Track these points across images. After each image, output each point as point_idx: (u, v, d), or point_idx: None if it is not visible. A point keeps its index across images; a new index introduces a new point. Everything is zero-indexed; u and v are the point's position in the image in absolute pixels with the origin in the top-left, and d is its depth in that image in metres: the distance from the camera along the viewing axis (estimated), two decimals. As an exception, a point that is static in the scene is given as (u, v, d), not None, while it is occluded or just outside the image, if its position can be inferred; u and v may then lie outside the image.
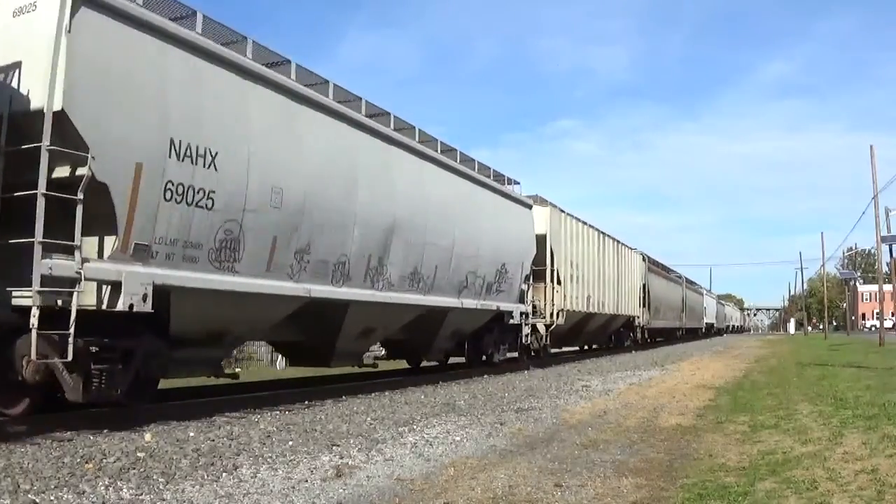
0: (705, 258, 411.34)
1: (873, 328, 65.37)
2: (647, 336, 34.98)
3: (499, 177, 16.61)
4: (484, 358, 16.57)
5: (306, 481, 5.31)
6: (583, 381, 14.16)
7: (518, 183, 17.52)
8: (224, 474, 5.42)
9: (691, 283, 55.75)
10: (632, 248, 31.68)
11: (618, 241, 28.22)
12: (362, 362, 12.32)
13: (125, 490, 4.85)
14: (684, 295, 47.92)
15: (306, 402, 9.99)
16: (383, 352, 16.37)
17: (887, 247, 33.40)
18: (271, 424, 7.91)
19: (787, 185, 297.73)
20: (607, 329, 28.40)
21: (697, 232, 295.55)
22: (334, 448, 6.60)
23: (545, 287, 19.50)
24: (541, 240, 18.59)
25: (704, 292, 64.92)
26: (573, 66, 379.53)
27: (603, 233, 25.94)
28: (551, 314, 19.77)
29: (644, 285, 32.89)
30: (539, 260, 18.76)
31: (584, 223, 23.54)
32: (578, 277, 22.10)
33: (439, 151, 13.54)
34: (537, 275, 19.00)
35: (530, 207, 17.93)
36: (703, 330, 60.52)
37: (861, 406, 8.78)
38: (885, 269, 37.45)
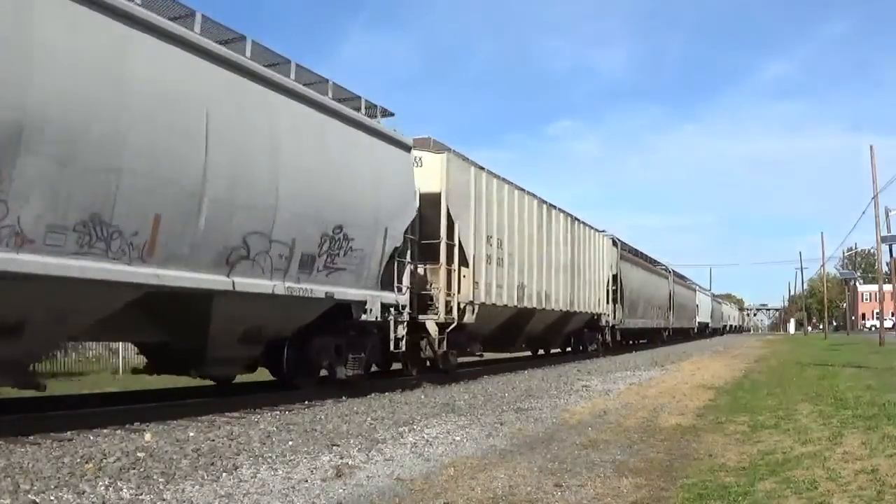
0: (705, 258, 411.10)
1: (873, 328, 65.41)
2: (619, 338, 28.50)
3: (346, 97, 10.97)
4: (324, 373, 11.13)
5: (306, 481, 5.31)
6: (583, 382, 14.17)
7: (392, 115, 12.09)
8: (224, 474, 5.43)
9: (681, 277, 50.42)
10: (598, 230, 25.27)
11: (574, 219, 22.03)
12: (29, 380, 7.30)
13: (125, 490, 4.85)
14: (672, 290, 41.84)
15: (306, 402, 9.99)
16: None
17: (887, 247, 33.47)
18: (271, 424, 7.91)
19: (787, 185, 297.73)
20: (560, 330, 22.17)
21: (697, 232, 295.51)
22: (334, 448, 6.61)
23: (441, 270, 13.50)
24: (431, 201, 13.13)
25: (697, 288, 59.08)
26: (573, 66, 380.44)
27: (549, 204, 19.67)
28: (450, 309, 13.63)
29: (615, 276, 26.85)
30: (430, 230, 13.36)
31: (517, 187, 17.27)
32: (503, 260, 15.97)
33: (198, 31, 8.25)
34: (428, 252, 13.47)
35: (408, 150, 12.19)
36: (696, 330, 55.00)
37: (861, 406, 8.79)
38: (885, 269, 37.49)
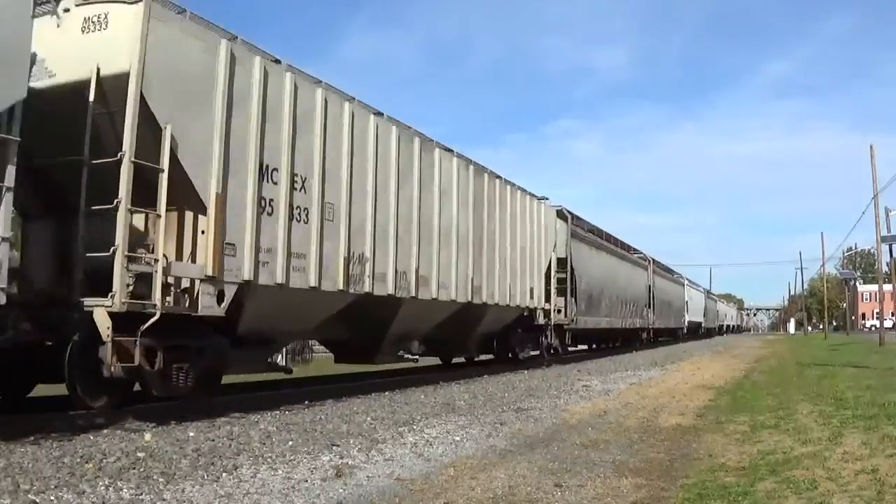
0: (705, 258, 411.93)
1: (873, 328, 65.42)
2: (570, 341, 21.74)
3: None
4: None
5: (306, 481, 5.31)
6: (583, 381, 14.16)
7: None
8: (224, 474, 5.43)
9: (666, 269, 43.11)
10: (535, 196, 18.15)
11: (484, 171, 15.23)
12: None
13: (125, 490, 4.85)
14: (651, 283, 35.14)
15: (306, 402, 9.98)
16: None
17: (887, 247, 33.46)
18: (271, 424, 7.91)
19: (787, 185, 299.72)
20: (468, 329, 15.49)
21: (697, 232, 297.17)
22: (334, 448, 6.61)
23: (121, 216, 7.32)
24: (112, 87, 7.59)
25: (687, 282, 51.59)
26: (573, 66, 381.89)
27: (428, 139, 12.96)
28: (130, 292, 7.38)
29: (564, 260, 20.34)
30: (99, 144, 7.63)
31: (356, 102, 10.78)
32: (311, 212, 9.63)
33: None
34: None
35: None
36: (685, 331, 48.40)
37: (861, 406, 8.78)
38: (885, 269, 37.49)
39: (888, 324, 59.89)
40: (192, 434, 7.12)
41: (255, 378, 12.09)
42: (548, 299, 18.70)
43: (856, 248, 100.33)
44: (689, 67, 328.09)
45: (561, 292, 19.92)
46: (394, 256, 11.60)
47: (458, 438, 7.29)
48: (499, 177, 16.00)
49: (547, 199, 19.21)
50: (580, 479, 5.55)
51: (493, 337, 17.37)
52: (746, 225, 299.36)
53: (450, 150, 13.80)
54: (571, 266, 20.95)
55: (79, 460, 5.66)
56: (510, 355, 18.04)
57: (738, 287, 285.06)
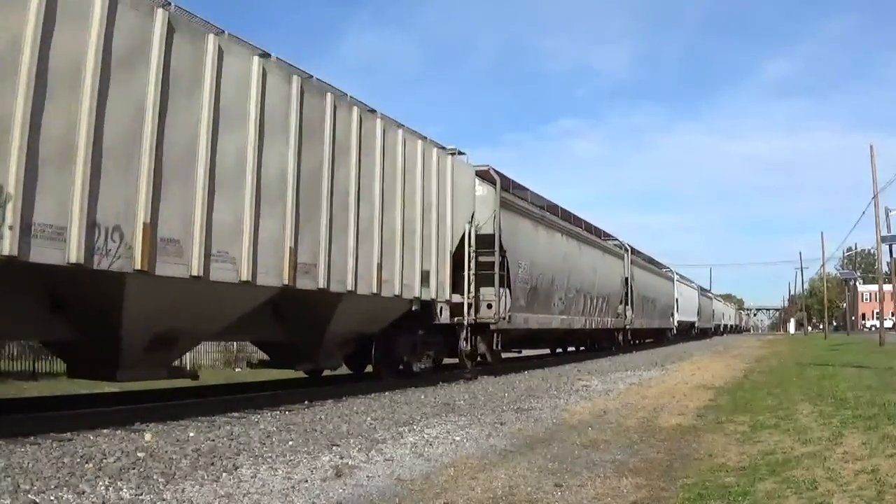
0: (705, 258, 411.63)
1: (873, 328, 65.44)
2: (499, 345, 15.87)
3: None
4: None
5: (306, 481, 5.31)
6: (583, 381, 14.16)
7: None
8: (224, 474, 5.42)
9: (649, 261, 37.15)
10: (437, 145, 13.08)
11: (332, 91, 10.17)
12: None
13: (125, 490, 4.85)
14: (629, 275, 29.29)
15: (306, 402, 9.98)
16: None
17: (887, 247, 33.51)
18: (271, 424, 7.91)
19: (787, 185, 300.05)
20: (313, 330, 10.53)
21: (697, 232, 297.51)
22: (334, 448, 6.60)
23: None
24: None
25: (677, 278, 45.38)
26: (573, 66, 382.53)
27: (209, 30, 8.14)
28: None
29: (490, 238, 15.12)
30: None
31: None
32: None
33: None
34: None
35: None
36: (674, 332, 42.94)
37: (861, 406, 8.79)
38: (885, 269, 37.51)
39: (888, 324, 59.96)
40: (192, 434, 7.12)
41: (254, 378, 12.08)
42: (458, 289, 13.77)
43: (856, 248, 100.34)
44: (689, 67, 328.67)
45: (486, 281, 14.76)
46: (85, 198, 6.59)
47: (458, 438, 7.29)
48: (366, 108, 11.01)
49: (462, 153, 14.08)
50: (580, 479, 5.55)
51: (367, 340, 12.18)
52: (746, 225, 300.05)
53: (266, 56, 8.91)
54: (502, 246, 15.48)
55: (79, 460, 5.66)
56: (401, 367, 13.00)
57: (738, 287, 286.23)
